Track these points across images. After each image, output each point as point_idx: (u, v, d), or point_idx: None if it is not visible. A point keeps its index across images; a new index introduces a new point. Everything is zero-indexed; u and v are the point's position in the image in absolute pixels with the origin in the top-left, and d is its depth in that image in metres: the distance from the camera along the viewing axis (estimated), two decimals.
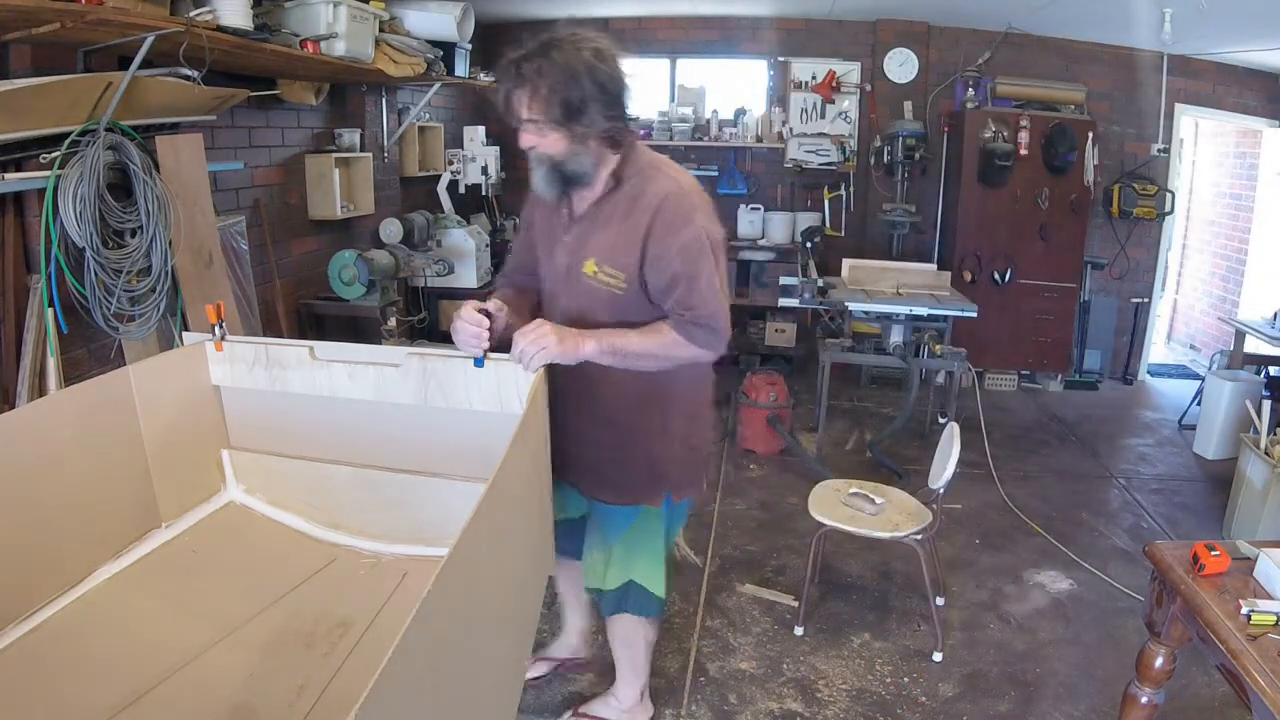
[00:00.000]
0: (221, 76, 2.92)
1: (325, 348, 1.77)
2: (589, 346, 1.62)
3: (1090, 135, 5.13)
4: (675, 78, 5.89)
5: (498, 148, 5.31)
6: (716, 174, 5.86)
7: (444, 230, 4.69)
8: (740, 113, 5.69)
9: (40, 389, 2.29)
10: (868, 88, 5.57)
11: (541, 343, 1.57)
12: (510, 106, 1.59)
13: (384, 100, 4.39)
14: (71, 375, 2.37)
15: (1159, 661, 1.75)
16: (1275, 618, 1.47)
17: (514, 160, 5.86)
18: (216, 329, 1.77)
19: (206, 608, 1.57)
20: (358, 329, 4.19)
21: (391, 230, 4.19)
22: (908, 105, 5.52)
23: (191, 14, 2.38)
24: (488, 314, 1.67)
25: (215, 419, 1.88)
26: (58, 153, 2.20)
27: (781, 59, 5.65)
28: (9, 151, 2.15)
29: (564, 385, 1.72)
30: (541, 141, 1.58)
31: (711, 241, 1.65)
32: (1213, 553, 1.62)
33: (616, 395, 1.76)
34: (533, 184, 1.67)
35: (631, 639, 2.07)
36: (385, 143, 4.46)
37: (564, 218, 1.74)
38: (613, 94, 1.56)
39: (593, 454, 1.85)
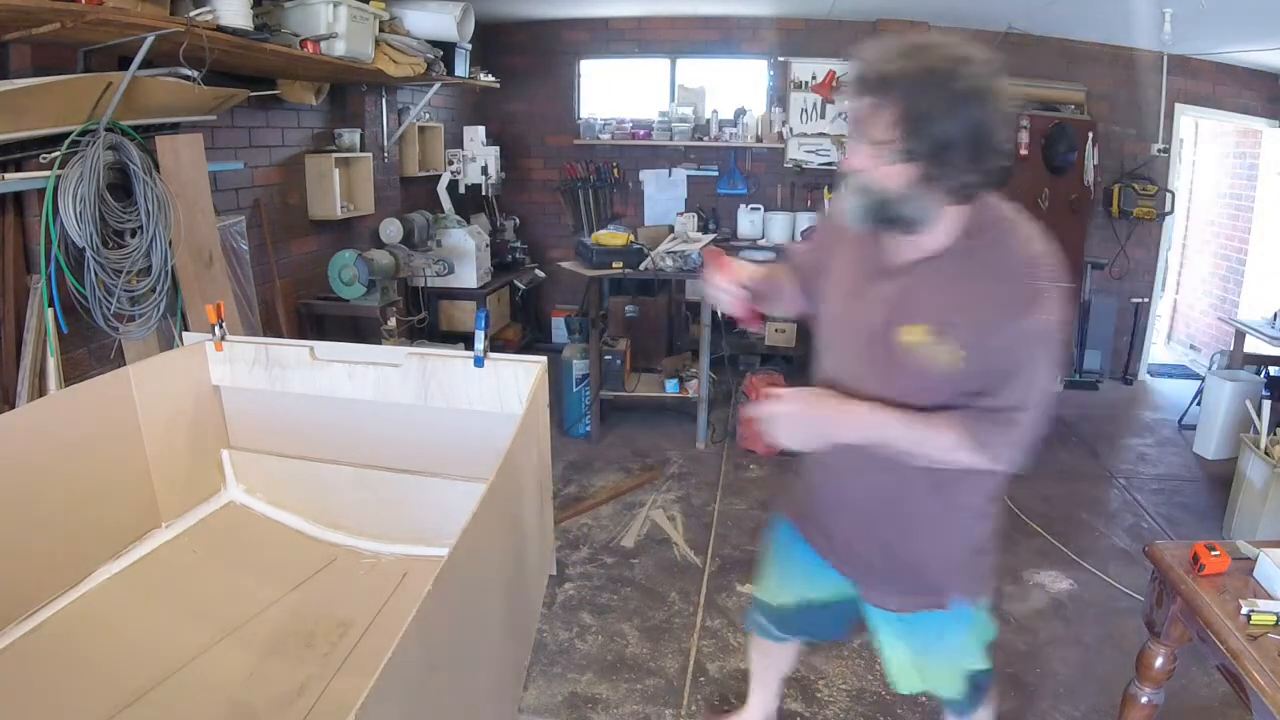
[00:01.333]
0: (221, 76, 2.92)
1: (325, 348, 1.77)
2: (854, 431, 1.37)
3: (1090, 135, 5.13)
4: (675, 78, 5.89)
5: (498, 148, 5.31)
6: (716, 174, 5.86)
7: (444, 230, 4.69)
8: (740, 113, 5.69)
9: (40, 389, 2.29)
10: None
11: (809, 430, 1.37)
12: (859, 115, 1.25)
13: (384, 100, 4.39)
14: (71, 375, 2.37)
15: (1159, 661, 1.75)
16: (1275, 618, 1.47)
17: (514, 160, 5.88)
18: (216, 329, 1.77)
19: (206, 608, 1.57)
20: (358, 329, 4.19)
21: (391, 230, 4.19)
22: None
23: (191, 14, 2.38)
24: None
25: (215, 419, 1.88)
26: (58, 153, 2.20)
27: (781, 59, 5.65)
28: (9, 151, 2.15)
29: (838, 462, 1.48)
30: (876, 170, 1.25)
31: (1058, 333, 1.30)
32: (1213, 553, 1.62)
33: (916, 498, 1.45)
34: (839, 210, 1.37)
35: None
36: (385, 143, 4.46)
37: (879, 258, 1.39)
38: (989, 142, 1.21)
39: (872, 552, 1.55)
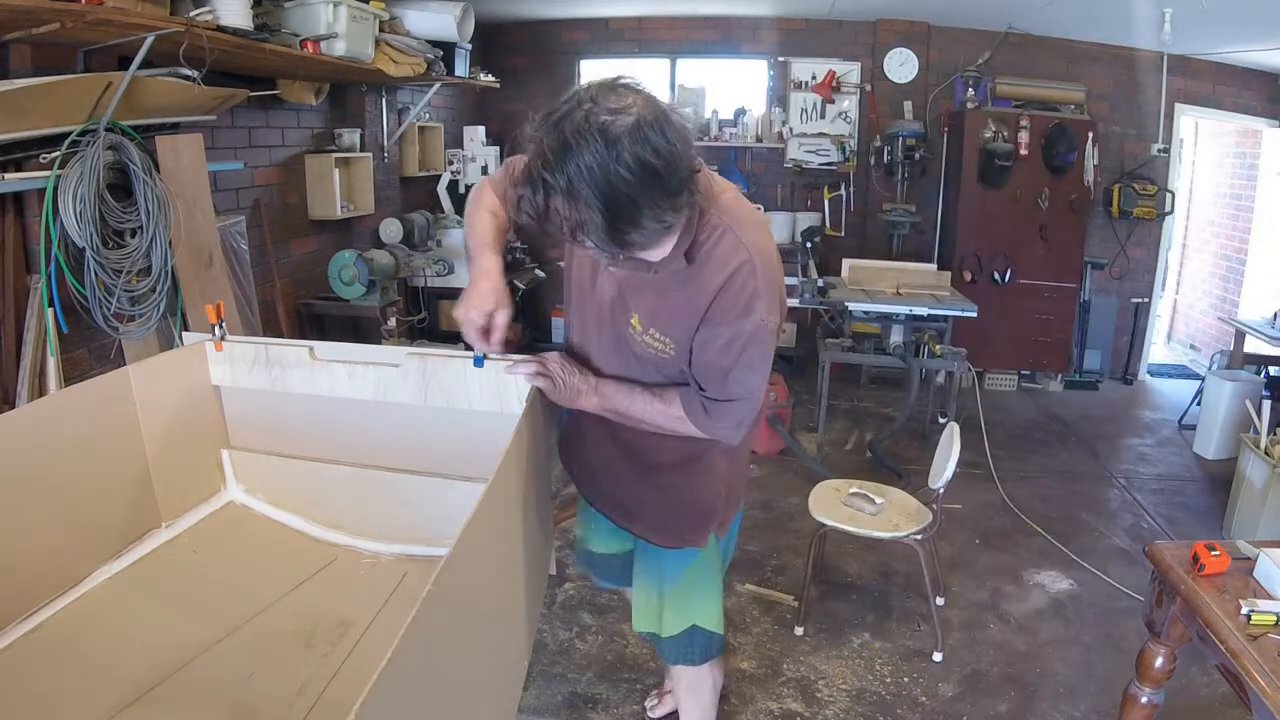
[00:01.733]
0: (221, 76, 2.92)
1: (325, 348, 1.77)
2: (589, 403, 1.52)
3: (1090, 135, 5.13)
4: (675, 78, 5.89)
5: (498, 148, 5.31)
6: (716, 174, 5.86)
7: (444, 230, 4.69)
8: (740, 113, 5.69)
9: (40, 389, 2.29)
10: (868, 88, 5.57)
11: (544, 381, 1.48)
12: (556, 223, 1.24)
13: (384, 100, 4.39)
14: (71, 375, 2.37)
15: (1159, 661, 1.75)
16: (1275, 618, 1.47)
17: None
18: (216, 329, 1.77)
19: (206, 608, 1.57)
20: (358, 329, 4.18)
21: (391, 230, 4.19)
22: (908, 105, 5.52)
23: (191, 14, 2.38)
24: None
25: (215, 419, 1.88)
26: (58, 153, 2.20)
27: (781, 59, 5.65)
28: (9, 151, 2.15)
29: (599, 433, 1.61)
30: (582, 248, 1.30)
31: (768, 332, 1.38)
32: (1213, 553, 1.62)
33: (659, 451, 1.60)
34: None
35: (699, 686, 1.87)
36: (385, 143, 4.46)
37: None
38: (675, 174, 1.19)
39: (633, 501, 1.70)
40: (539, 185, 1.17)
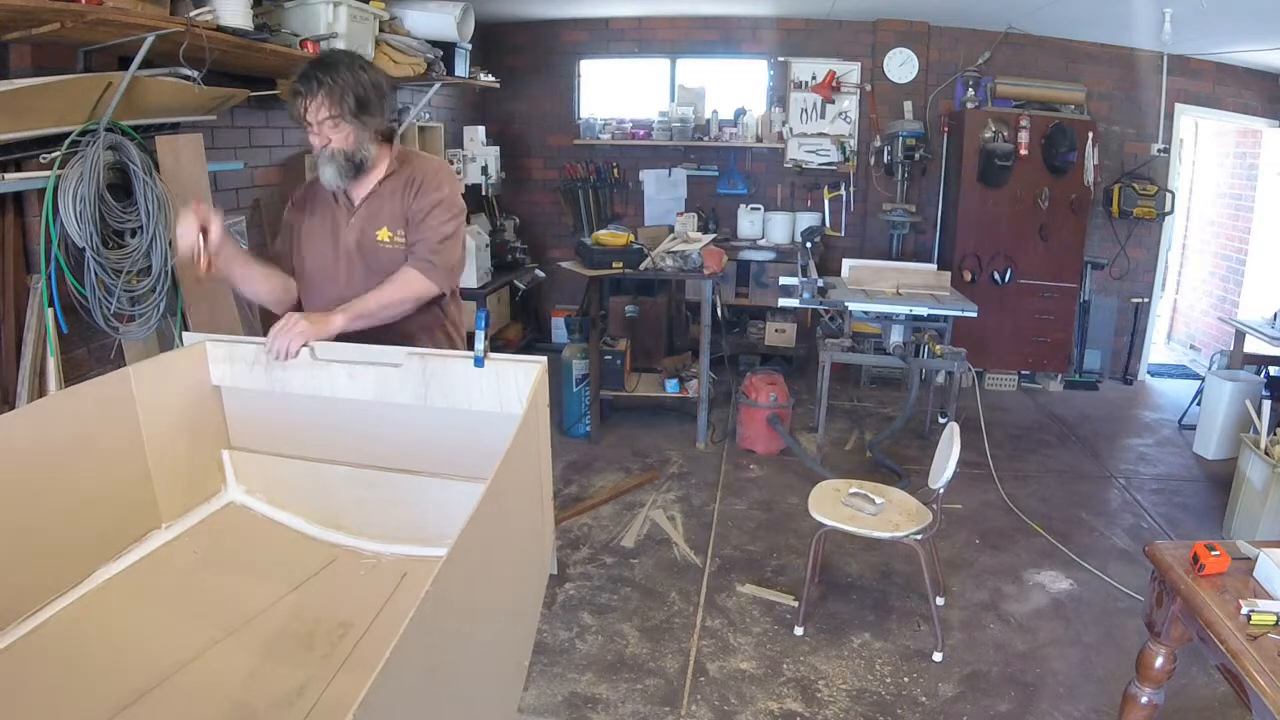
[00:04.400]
0: (221, 76, 2.92)
1: (325, 348, 1.77)
2: (338, 319, 1.84)
3: (1090, 135, 5.13)
4: (675, 78, 5.89)
5: (498, 148, 5.31)
6: (716, 174, 5.86)
7: None
8: (740, 113, 5.69)
9: (40, 389, 2.29)
10: (868, 88, 5.57)
11: (296, 329, 1.76)
12: (307, 111, 1.89)
13: None
14: (71, 375, 2.37)
15: (1159, 661, 1.75)
16: (1275, 618, 1.47)
17: (514, 160, 5.88)
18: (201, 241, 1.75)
19: (206, 608, 1.57)
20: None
21: None
22: (908, 105, 5.53)
23: (191, 14, 2.38)
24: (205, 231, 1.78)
25: (215, 419, 1.88)
26: (58, 153, 2.20)
27: (781, 59, 5.65)
28: (9, 151, 2.14)
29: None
30: (336, 136, 1.88)
31: (452, 197, 2.02)
32: (1213, 553, 1.62)
33: (407, 334, 2.00)
34: (323, 179, 1.95)
35: None
36: None
37: (344, 206, 2.03)
38: (386, 93, 1.95)
39: None
40: (311, 81, 1.86)
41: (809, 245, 5.18)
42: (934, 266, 4.83)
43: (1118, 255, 5.61)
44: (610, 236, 4.38)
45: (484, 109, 5.87)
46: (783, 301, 4.46)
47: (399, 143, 2.08)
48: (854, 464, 4.21)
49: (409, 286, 1.94)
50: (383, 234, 1.99)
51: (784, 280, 4.50)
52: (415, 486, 1.76)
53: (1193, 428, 4.63)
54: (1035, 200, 5.16)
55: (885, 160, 5.41)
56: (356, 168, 1.94)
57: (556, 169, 5.91)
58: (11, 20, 1.95)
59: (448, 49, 4.23)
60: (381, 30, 3.56)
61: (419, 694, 0.97)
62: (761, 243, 5.69)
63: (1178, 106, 5.42)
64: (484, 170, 5.15)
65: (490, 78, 4.91)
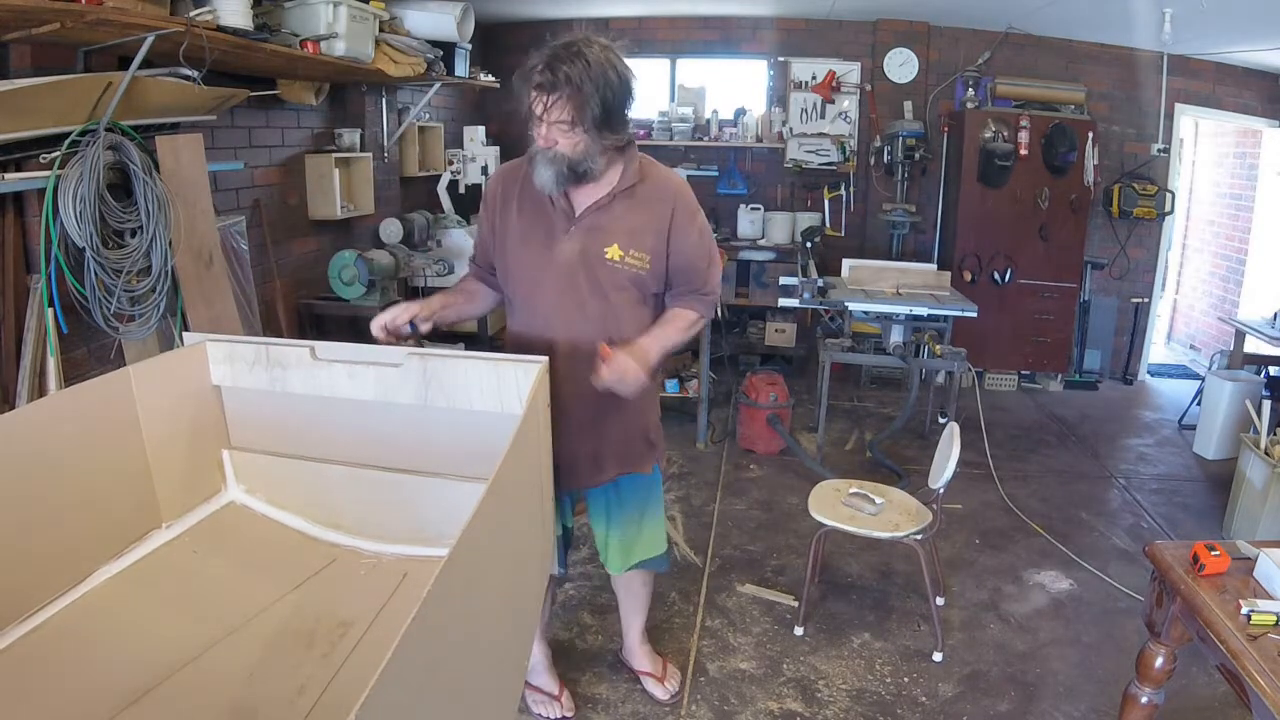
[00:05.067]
0: (221, 76, 2.92)
1: (325, 348, 1.77)
2: (654, 359, 1.81)
3: (1090, 135, 5.13)
4: (675, 78, 5.89)
5: (498, 148, 5.31)
6: (716, 174, 5.86)
7: (444, 230, 4.69)
8: (740, 113, 5.69)
9: (40, 389, 2.29)
10: (868, 88, 5.57)
11: (633, 378, 1.72)
12: (539, 108, 1.66)
13: (384, 100, 4.39)
14: (71, 375, 2.37)
15: (1159, 661, 1.75)
16: (1275, 618, 1.47)
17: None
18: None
19: (206, 608, 1.57)
20: (358, 329, 4.18)
21: (391, 230, 4.19)
22: (908, 105, 5.53)
23: (191, 14, 2.38)
24: (413, 325, 1.83)
25: (215, 419, 1.88)
26: (58, 153, 2.20)
27: (781, 59, 5.65)
28: (9, 151, 2.15)
29: (565, 391, 1.80)
30: (565, 141, 1.68)
31: (708, 225, 1.95)
32: (1213, 553, 1.62)
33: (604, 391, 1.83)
34: (536, 179, 1.77)
35: (649, 585, 2.37)
36: (385, 143, 4.46)
37: (562, 211, 1.83)
38: (631, 100, 1.73)
39: (606, 444, 1.98)
40: (557, 76, 1.61)
41: (809, 245, 5.18)
42: (934, 266, 4.83)
43: (1118, 255, 5.61)
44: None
45: (484, 109, 5.87)
46: (783, 301, 4.46)
47: (634, 149, 1.84)
48: (854, 464, 4.21)
49: (694, 328, 1.93)
50: (612, 251, 1.80)
51: (784, 280, 4.50)
52: (415, 486, 1.76)
53: (1193, 428, 4.63)
54: (1035, 200, 5.16)
55: (885, 160, 5.41)
56: (578, 177, 1.75)
57: None
58: (11, 20, 1.95)
59: (448, 49, 4.23)
60: (381, 30, 3.56)
61: (420, 694, 0.97)
62: (761, 243, 5.69)
63: (1178, 106, 5.42)
64: (484, 170, 5.14)
65: (490, 78, 4.92)
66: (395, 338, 1.82)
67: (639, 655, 2.45)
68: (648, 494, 2.10)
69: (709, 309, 1.93)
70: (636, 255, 1.81)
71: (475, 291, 2.04)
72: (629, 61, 1.71)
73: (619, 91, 1.67)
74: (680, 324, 1.88)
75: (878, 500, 2.73)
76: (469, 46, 4.42)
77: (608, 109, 1.65)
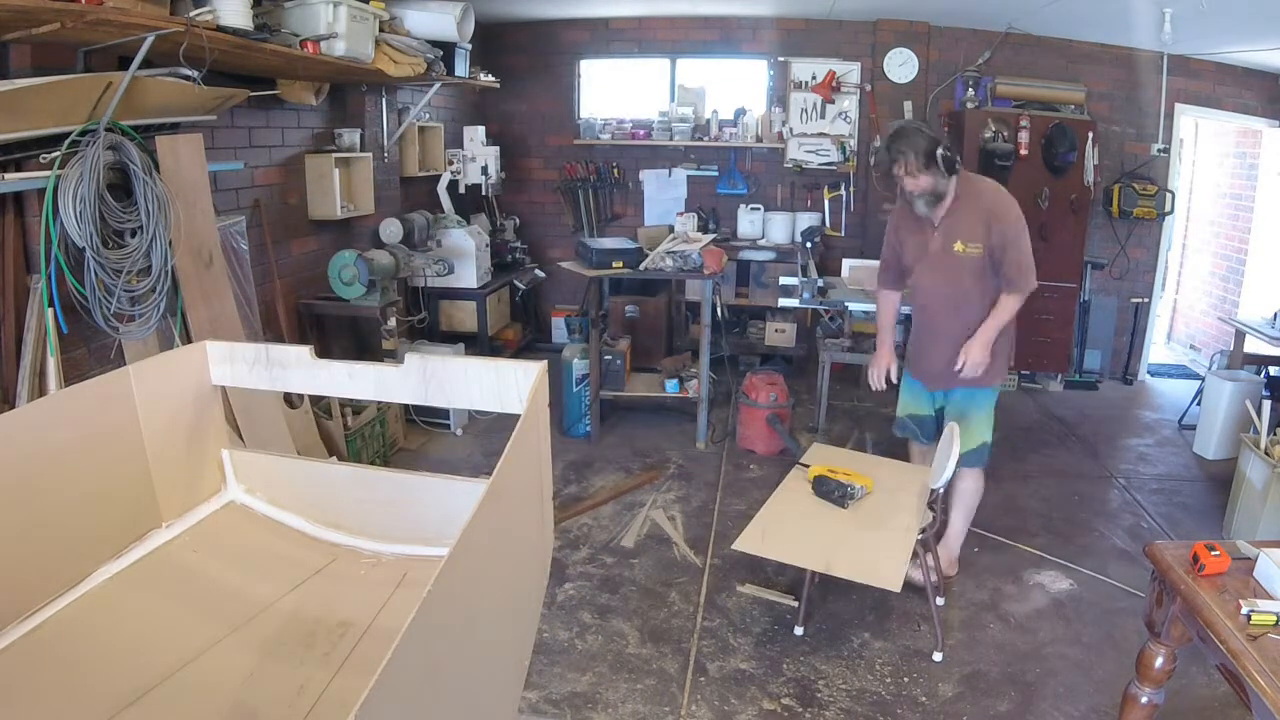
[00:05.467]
0: (221, 76, 2.92)
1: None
2: (990, 335, 2.79)
3: (1090, 135, 5.13)
4: (675, 78, 5.89)
5: (498, 148, 5.32)
6: (716, 174, 5.86)
7: (444, 230, 4.70)
8: (740, 113, 5.69)
9: (40, 389, 2.29)
10: (868, 88, 5.57)
11: (975, 360, 2.78)
12: (895, 171, 2.74)
13: (384, 100, 4.39)
14: (71, 375, 2.37)
15: (1159, 661, 1.75)
16: (1275, 618, 1.47)
17: (514, 160, 5.88)
18: None
19: (206, 608, 1.57)
20: (358, 329, 4.19)
21: (391, 230, 4.19)
22: (908, 105, 5.53)
23: (191, 14, 2.38)
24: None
25: (215, 419, 1.88)
26: (58, 153, 2.20)
27: (781, 59, 5.65)
28: (9, 151, 2.15)
29: (952, 325, 2.86)
30: (918, 184, 2.71)
31: (1021, 220, 2.75)
32: (1213, 553, 1.62)
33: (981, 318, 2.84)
34: (916, 210, 2.81)
35: (976, 488, 3.04)
36: (385, 143, 4.46)
37: (929, 224, 2.84)
38: (944, 144, 2.70)
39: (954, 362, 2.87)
40: (897, 153, 2.71)
41: (809, 245, 5.18)
42: None
43: (1118, 255, 5.61)
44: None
45: (484, 109, 5.87)
46: (783, 301, 4.46)
47: (961, 170, 2.78)
48: None
49: (1014, 311, 2.80)
50: (959, 245, 2.78)
51: (784, 280, 4.50)
52: (415, 486, 1.76)
53: (1193, 428, 4.63)
54: (1035, 200, 5.16)
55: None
56: (937, 200, 2.76)
57: (556, 169, 5.91)
58: (11, 20, 1.95)
59: (448, 49, 4.23)
60: (381, 30, 3.56)
61: (420, 694, 0.97)
62: (761, 243, 5.69)
63: (1178, 106, 5.42)
64: (484, 170, 5.15)
65: (490, 78, 4.92)
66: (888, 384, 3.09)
67: (940, 553, 3.03)
68: (980, 398, 2.94)
69: (1025, 291, 2.76)
70: (974, 246, 2.76)
71: (892, 298, 3.16)
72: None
73: (929, 145, 2.67)
74: (1004, 311, 2.78)
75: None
76: (469, 46, 4.42)
77: (929, 155, 2.66)
